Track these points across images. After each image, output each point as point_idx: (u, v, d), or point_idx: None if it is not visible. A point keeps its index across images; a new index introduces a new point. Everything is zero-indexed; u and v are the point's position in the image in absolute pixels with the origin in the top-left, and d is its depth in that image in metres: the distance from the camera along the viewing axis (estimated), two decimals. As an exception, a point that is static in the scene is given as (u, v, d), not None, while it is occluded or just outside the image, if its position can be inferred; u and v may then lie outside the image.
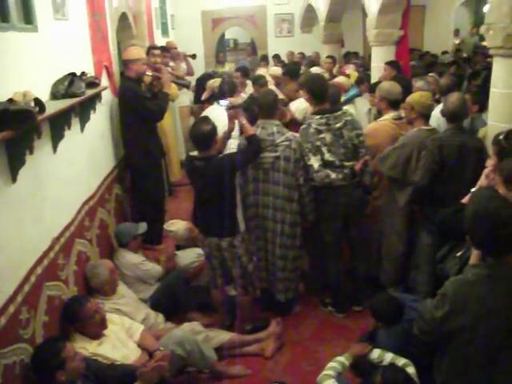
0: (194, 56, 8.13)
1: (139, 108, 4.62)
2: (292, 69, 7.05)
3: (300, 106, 4.74)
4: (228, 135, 4.00)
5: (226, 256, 3.80)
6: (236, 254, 3.80)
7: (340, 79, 6.27)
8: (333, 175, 3.97)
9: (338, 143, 4.00)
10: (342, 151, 4.01)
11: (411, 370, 2.74)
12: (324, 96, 4.11)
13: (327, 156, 3.97)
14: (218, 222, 3.70)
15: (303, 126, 4.11)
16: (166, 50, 6.86)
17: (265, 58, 10.85)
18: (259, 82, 6.18)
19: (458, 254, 3.22)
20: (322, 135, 3.97)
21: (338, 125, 3.99)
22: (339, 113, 4.06)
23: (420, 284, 3.95)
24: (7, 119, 2.16)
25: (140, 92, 4.74)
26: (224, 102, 3.97)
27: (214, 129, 3.67)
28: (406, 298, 3.44)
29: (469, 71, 8.18)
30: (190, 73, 7.96)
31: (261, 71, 8.32)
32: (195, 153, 3.80)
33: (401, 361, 2.83)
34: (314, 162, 3.97)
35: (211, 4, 11.78)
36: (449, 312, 2.32)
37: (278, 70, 7.54)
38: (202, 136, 3.62)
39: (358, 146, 4.07)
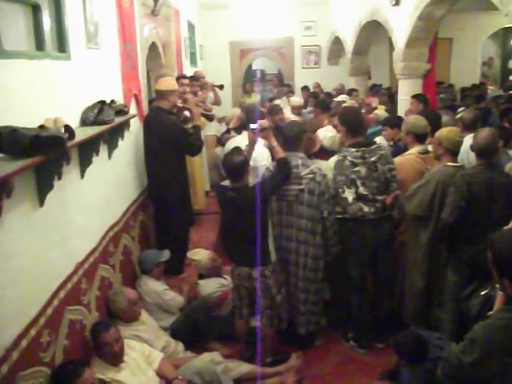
0: (221, 86, 8.19)
1: (181, 143, 4.61)
2: (323, 101, 7.23)
3: (327, 133, 4.73)
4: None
5: (256, 286, 3.78)
6: (266, 285, 3.78)
7: (378, 111, 6.34)
8: (365, 208, 3.96)
9: (371, 177, 3.98)
10: (375, 185, 3.99)
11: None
12: (359, 129, 4.12)
13: (361, 189, 3.96)
14: (250, 251, 3.68)
15: (338, 158, 4.08)
16: (195, 79, 6.93)
17: (289, 87, 10.96)
18: (273, 110, 6.15)
19: (483, 293, 3.16)
20: (357, 168, 3.97)
21: (373, 158, 3.98)
22: (374, 146, 4.05)
23: (444, 322, 3.85)
24: (38, 145, 2.20)
25: (181, 126, 4.74)
26: (254, 125, 3.96)
27: (245, 159, 3.73)
28: (431, 335, 3.38)
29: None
30: (218, 102, 8.02)
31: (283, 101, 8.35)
32: (226, 182, 3.83)
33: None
34: (349, 195, 3.97)
35: (239, 35, 11.93)
36: (479, 358, 2.21)
37: (298, 101, 7.60)
38: (235, 167, 3.67)
39: (390, 180, 4.04)
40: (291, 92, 10.56)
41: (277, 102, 7.28)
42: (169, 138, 4.56)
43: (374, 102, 8.01)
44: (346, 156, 4.01)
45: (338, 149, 4.66)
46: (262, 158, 4.55)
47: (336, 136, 4.73)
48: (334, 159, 4.14)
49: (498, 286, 2.56)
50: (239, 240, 3.77)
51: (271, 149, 3.96)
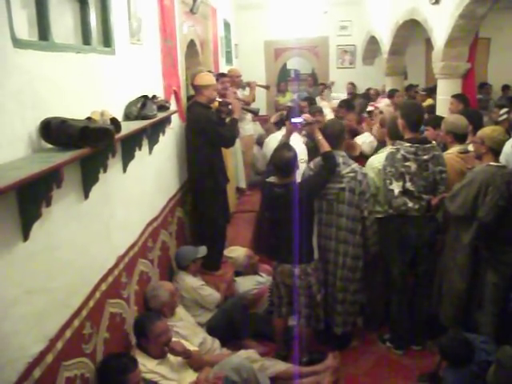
0: (267, 87, 8.27)
1: (211, 133, 4.62)
2: (347, 100, 7.16)
3: (367, 139, 4.65)
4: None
5: (298, 284, 3.75)
6: (308, 283, 3.75)
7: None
8: (410, 204, 3.93)
9: (420, 175, 3.94)
10: (423, 183, 3.95)
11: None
12: (419, 125, 4.10)
13: (408, 185, 3.93)
14: (294, 248, 3.66)
15: (391, 150, 4.06)
16: (224, 75, 6.89)
17: (324, 86, 10.96)
18: (312, 111, 6.05)
19: None
20: (407, 163, 3.93)
21: (425, 157, 3.93)
22: (429, 145, 4.00)
23: (483, 325, 3.77)
24: (87, 136, 2.21)
25: (213, 118, 4.78)
26: (298, 119, 3.92)
27: (295, 155, 3.70)
28: (476, 338, 3.29)
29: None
30: (252, 100, 8.02)
31: (322, 102, 8.29)
32: (272, 179, 3.80)
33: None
34: (396, 188, 3.94)
35: (274, 34, 11.90)
36: None
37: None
38: (285, 163, 3.65)
39: (439, 182, 3.99)
40: (327, 87, 10.54)
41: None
42: (199, 130, 4.63)
43: (381, 103, 7.77)
44: (400, 149, 3.98)
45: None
46: (300, 154, 4.51)
47: (374, 141, 4.65)
48: (382, 153, 4.15)
49: None
50: (284, 237, 3.73)
51: (317, 143, 3.91)
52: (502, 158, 4.17)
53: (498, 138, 3.83)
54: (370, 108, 7.08)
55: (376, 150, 4.53)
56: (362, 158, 4.76)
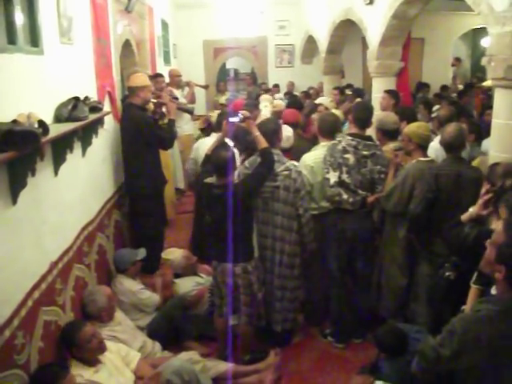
0: (206, 87, 8.26)
1: (150, 136, 4.59)
2: (294, 101, 7.18)
3: (286, 133, 4.64)
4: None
5: (238, 283, 3.76)
6: (249, 281, 3.76)
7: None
8: (344, 196, 4.00)
9: (358, 169, 4.01)
10: (359, 178, 4.02)
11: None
12: (365, 125, 4.17)
13: (345, 176, 4.00)
14: (234, 247, 3.65)
15: (334, 142, 4.15)
16: (160, 75, 6.82)
17: (277, 86, 11.17)
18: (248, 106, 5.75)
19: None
20: (346, 155, 4.01)
21: (365, 152, 4.00)
22: (371, 143, 4.07)
23: (419, 315, 3.89)
24: (11, 140, 2.13)
25: (150, 120, 4.73)
26: (235, 118, 3.93)
27: (233, 155, 3.70)
28: (411, 329, 3.39)
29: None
30: (192, 101, 7.99)
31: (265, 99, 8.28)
32: (210, 179, 3.79)
33: (404, 393, 2.77)
34: (332, 177, 4.02)
35: (213, 34, 11.89)
36: (458, 351, 2.16)
37: (281, 105, 7.59)
38: (223, 162, 3.63)
39: (377, 181, 4.06)
40: (268, 91, 10.60)
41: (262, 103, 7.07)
42: (138, 132, 4.59)
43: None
44: (341, 141, 4.06)
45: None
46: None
47: (291, 137, 4.68)
48: (316, 151, 4.24)
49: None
50: (224, 236, 3.69)
51: (254, 139, 3.91)
52: (431, 153, 4.31)
53: (424, 134, 3.96)
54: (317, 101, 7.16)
55: (309, 148, 4.57)
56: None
